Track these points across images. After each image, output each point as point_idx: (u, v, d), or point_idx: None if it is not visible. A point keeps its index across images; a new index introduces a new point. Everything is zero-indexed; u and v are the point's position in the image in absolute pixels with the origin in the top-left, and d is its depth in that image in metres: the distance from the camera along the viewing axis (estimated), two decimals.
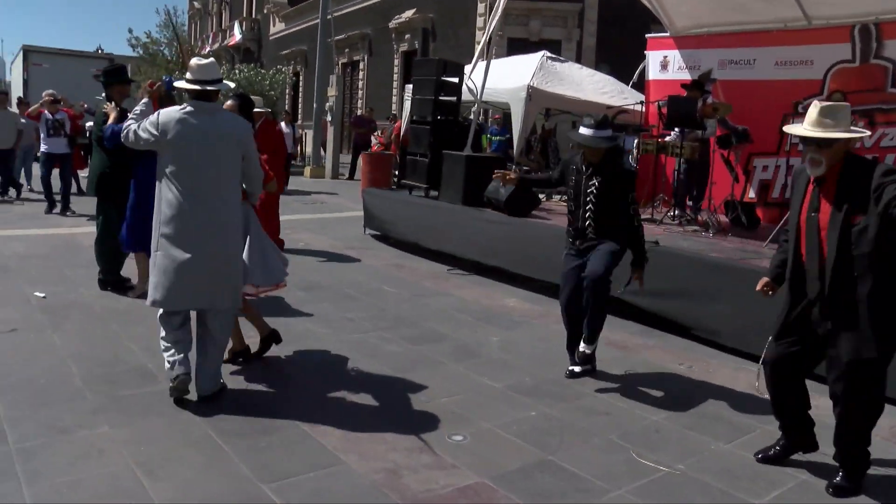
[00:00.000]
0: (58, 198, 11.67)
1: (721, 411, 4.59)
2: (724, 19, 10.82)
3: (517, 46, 20.89)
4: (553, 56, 12.46)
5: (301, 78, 33.35)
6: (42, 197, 13.16)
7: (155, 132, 4.05)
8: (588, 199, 4.81)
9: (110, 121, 6.19)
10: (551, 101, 10.84)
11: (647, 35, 12.37)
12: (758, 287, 3.93)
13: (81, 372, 4.53)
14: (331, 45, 19.54)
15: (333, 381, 4.66)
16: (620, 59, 19.41)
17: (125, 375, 4.51)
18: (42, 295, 6.26)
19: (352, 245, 9.62)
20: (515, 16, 21.10)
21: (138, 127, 4.13)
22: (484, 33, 21.35)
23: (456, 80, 9.62)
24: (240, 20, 40.93)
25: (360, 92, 28.54)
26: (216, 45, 44.06)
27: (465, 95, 9.99)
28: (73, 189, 14.13)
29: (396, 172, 15.43)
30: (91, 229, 9.87)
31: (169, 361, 4.13)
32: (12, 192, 13.06)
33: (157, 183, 4.16)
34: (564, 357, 5.43)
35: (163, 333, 4.21)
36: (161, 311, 4.19)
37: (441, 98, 9.41)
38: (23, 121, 13.46)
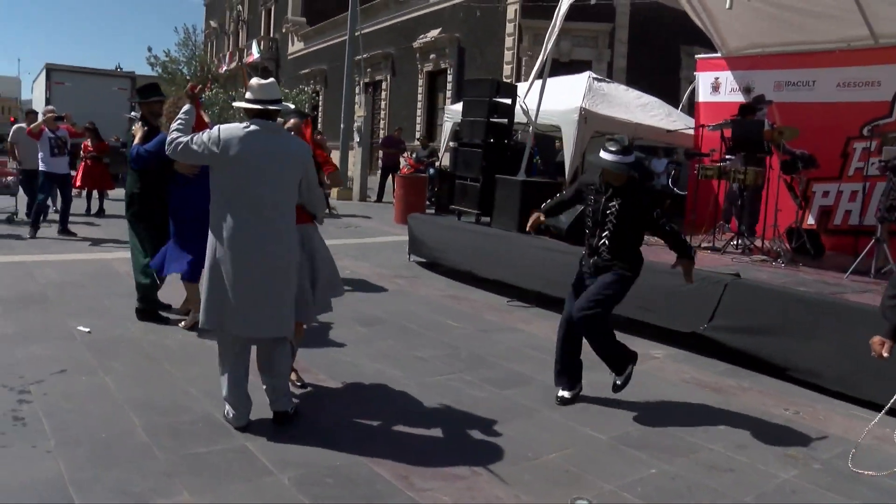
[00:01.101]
0: (57, 216, 11.37)
1: (852, 468, 4.11)
2: (781, 39, 10.41)
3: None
4: (598, 77, 12.07)
5: (321, 97, 33.09)
6: (77, 220, 12.85)
7: (214, 148, 3.86)
8: (607, 220, 4.70)
9: (136, 140, 6.01)
10: (603, 124, 10.41)
11: (696, 56, 11.99)
12: (878, 349, 3.54)
13: (143, 423, 4.07)
14: (359, 63, 19.18)
15: (425, 433, 4.19)
16: (651, 79, 19.09)
17: (192, 427, 4.05)
18: (86, 329, 5.82)
19: (399, 273, 9.18)
20: (545, 36, 20.79)
21: (190, 141, 3.91)
22: (513, 53, 21.16)
23: (508, 101, 9.20)
24: (257, 39, 40.83)
25: (382, 112, 28.23)
26: (233, 65, 43.95)
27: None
28: (81, 209, 13.88)
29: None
30: (125, 254, 9.51)
31: (226, 412, 4.12)
32: None
33: (212, 202, 4.00)
34: (664, 403, 5.01)
35: (221, 369, 4.12)
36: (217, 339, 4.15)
37: (493, 119, 8.99)
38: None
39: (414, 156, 17.15)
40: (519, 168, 9.07)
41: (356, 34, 18.47)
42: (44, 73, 22.78)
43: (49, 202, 13.43)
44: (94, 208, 14.08)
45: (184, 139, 3.93)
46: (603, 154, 4.65)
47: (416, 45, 25.20)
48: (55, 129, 11.04)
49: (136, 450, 3.72)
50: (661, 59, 21.60)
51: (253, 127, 3.92)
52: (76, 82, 22.39)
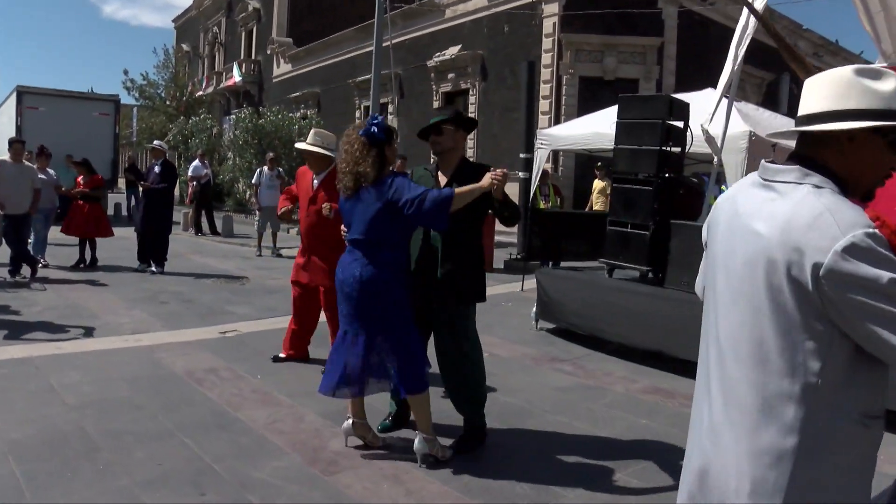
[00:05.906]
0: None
1: None
2: None
3: (590, 86, 18.54)
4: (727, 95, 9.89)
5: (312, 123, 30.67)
6: (75, 277, 10.33)
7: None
8: None
9: None
10: (766, 152, 8.21)
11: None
12: None
13: None
14: (391, 77, 17.00)
15: None
16: None
17: None
18: None
19: (543, 350, 6.83)
20: (588, 52, 18.75)
21: None
22: (552, 71, 19.02)
23: (680, 124, 6.97)
24: (239, 62, 38.35)
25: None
26: (210, 89, 41.38)
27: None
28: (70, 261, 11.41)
29: None
30: (168, 337, 6.99)
31: None
32: (26, 270, 10.07)
33: None
34: None
35: None
36: None
37: (667, 149, 6.72)
38: (42, 177, 10.58)
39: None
40: (698, 210, 6.84)
41: (384, 45, 16.21)
42: (14, 96, 20.00)
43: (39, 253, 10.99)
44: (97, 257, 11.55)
45: None
46: None
47: (430, 63, 23.00)
48: None
49: None
50: (708, 76, 19.70)
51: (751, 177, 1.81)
52: (52, 107, 19.62)
